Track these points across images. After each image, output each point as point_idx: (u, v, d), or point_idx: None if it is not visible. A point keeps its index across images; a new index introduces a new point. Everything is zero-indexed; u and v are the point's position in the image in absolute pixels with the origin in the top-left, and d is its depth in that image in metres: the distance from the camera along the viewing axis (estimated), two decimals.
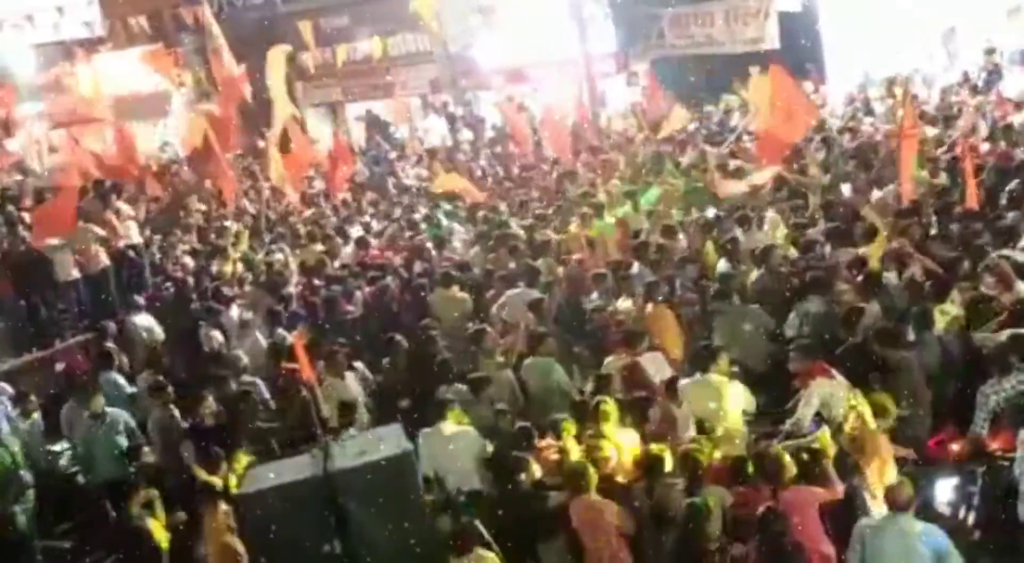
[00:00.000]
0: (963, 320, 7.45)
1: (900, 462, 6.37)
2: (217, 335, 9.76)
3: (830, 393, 6.68)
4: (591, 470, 6.20)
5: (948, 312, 7.51)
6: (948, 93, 15.43)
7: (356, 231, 12.90)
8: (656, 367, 7.61)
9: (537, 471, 6.62)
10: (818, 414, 6.62)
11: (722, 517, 5.97)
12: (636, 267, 9.51)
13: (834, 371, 6.86)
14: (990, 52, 16.32)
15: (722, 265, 9.38)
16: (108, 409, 8.36)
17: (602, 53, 19.92)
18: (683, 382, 7.19)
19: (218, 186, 14.51)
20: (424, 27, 20.50)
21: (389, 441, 6.17)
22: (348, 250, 12.06)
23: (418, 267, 10.93)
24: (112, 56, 21.07)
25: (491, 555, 5.91)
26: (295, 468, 5.95)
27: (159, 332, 10.50)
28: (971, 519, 6.61)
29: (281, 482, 5.79)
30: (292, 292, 10.52)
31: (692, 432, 6.86)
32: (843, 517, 5.90)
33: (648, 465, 6.31)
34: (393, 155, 18.36)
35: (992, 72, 16.10)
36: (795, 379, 7.00)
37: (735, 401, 7.02)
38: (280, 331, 9.38)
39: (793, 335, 8.01)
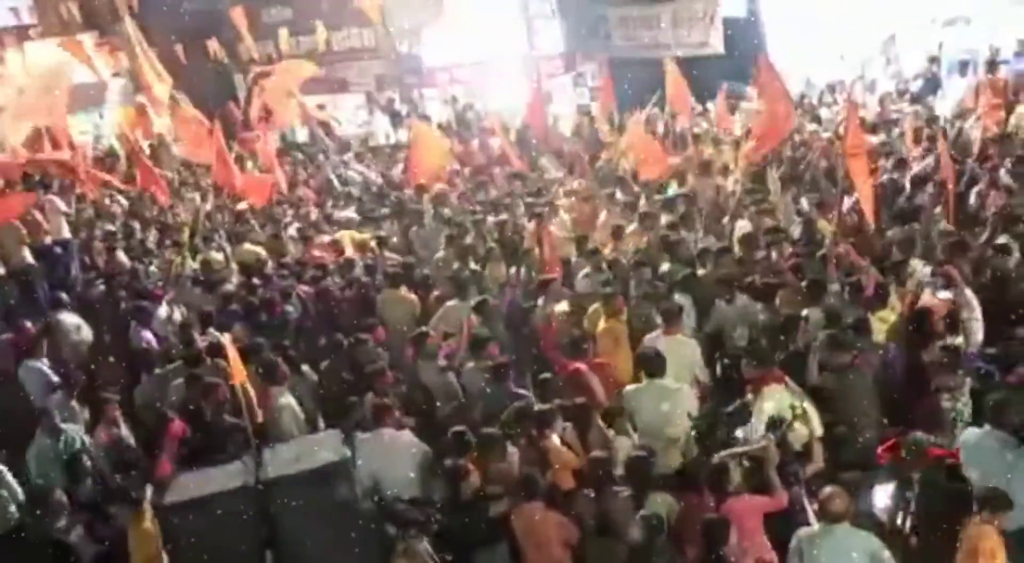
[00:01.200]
0: (902, 326, 7.51)
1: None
2: (146, 334, 9.41)
3: (781, 400, 6.66)
4: (535, 478, 6.08)
5: (887, 319, 7.57)
6: (886, 100, 15.68)
7: (294, 229, 12.59)
8: None
9: (477, 479, 6.47)
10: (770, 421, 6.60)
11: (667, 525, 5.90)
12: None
13: (786, 378, 6.85)
14: (932, 60, 16.65)
15: (664, 266, 9.36)
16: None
17: (549, 53, 19.88)
18: (633, 387, 7.10)
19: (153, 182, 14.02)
20: (370, 22, 20.23)
21: (326, 447, 6.00)
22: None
23: (360, 268, 10.70)
24: (42, 44, 20.34)
25: None
26: (225, 477, 5.73)
27: (87, 331, 10.09)
28: (908, 525, 6.66)
29: (210, 492, 5.56)
30: (230, 291, 10.20)
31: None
32: (787, 525, 5.86)
33: (593, 473, 6.21)
34: (349, 154, 17.94)
35: (929, 80, 16.44)
36: (747, 386, 6.97)
37: (685, 405, 6.92)
38: (212, 331, 9.07)
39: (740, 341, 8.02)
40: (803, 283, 8.29)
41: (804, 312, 7.80)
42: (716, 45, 18.07)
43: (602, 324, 8.24)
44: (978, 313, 7.52)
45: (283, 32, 21.95)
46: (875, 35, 18.04)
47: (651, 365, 7.05)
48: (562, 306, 8.79)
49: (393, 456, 6.84)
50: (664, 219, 10.65)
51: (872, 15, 17.56)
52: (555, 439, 6.60)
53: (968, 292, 7.63)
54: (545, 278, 9.31)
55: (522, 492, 6.05)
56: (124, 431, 7.81)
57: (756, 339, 7.80)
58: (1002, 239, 8.69)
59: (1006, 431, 5.77)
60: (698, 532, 5.76)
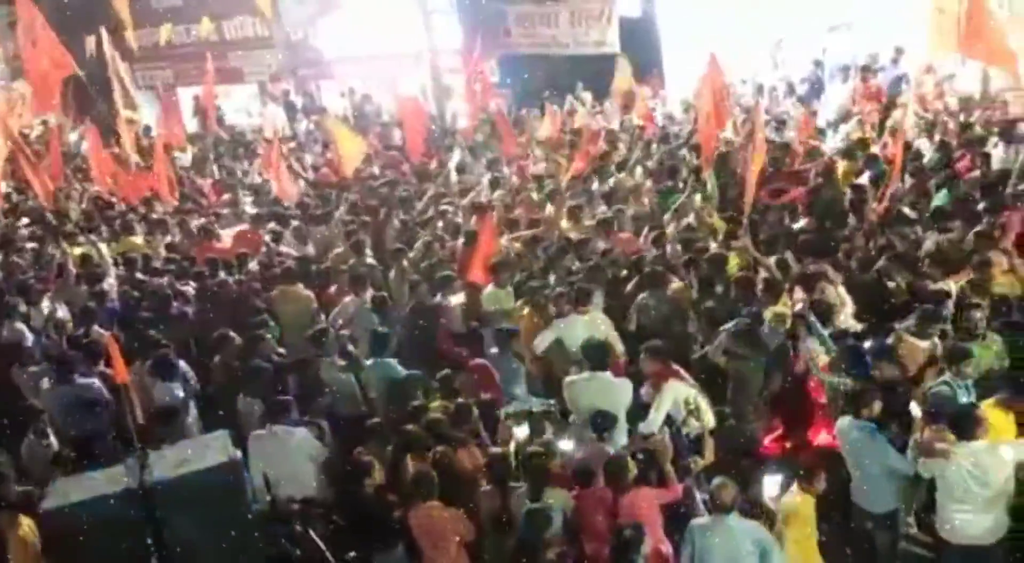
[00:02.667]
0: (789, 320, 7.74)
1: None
2: (21, 328, 8.90)
3: (681, 393, 6.78)
4: (432, 476, 6.01)
5: (778, 314, 7.77)
6: (774, 103, 16.20)
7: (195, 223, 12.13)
8: None
9: (379, 476, 6.36)
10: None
11: (563, 520, 5.92)
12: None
13: (683, 372, 6.95)
14: (817, 64, 17.28)
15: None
16: None
17: (448, 48, 19.77)
18: (574, 378, 7.08)
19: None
20: (261, 11, 19.68)
21: (215, 448, 5.75)
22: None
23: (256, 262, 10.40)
24: None
25: None
26: (107, 480, 5.42)
27: None
28: None
29: (91, 496, 5.27)
30: (110, 286, 9.74)
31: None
32: (681, 516, 5.97)
33: (492, 470, 6.18)
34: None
35: (814, 83, 17.07)
36: (646, 380, 7.05)
37: (624, 397, 6.94)
38: (96, 328, 8.65)
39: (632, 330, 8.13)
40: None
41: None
42: (613, 44, 18.31)
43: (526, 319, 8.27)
44: (850, 308, 7.80)
45: (169, 22, 21.21)
46: (764, 39, 18.61)
47: (593, 357, 7.05)
48: (457, 298, 8.75)
49: (287, 455, 6.67)
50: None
51: (761, 19, 18.09)
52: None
53: (841, 289, 7.93)
54: (447, 274, 9.24)
55: (418, 491, 5.96)
56: None
57: (652, 332, 7.90)
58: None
59: (864, 420, 6.02)
60: (595, 525, 5.81)
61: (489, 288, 8.89)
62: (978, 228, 8.43)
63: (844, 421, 6.17)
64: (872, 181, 10.50)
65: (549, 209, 11.07)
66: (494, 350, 7.80)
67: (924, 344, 6.88)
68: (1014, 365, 6.71)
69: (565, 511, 5.97)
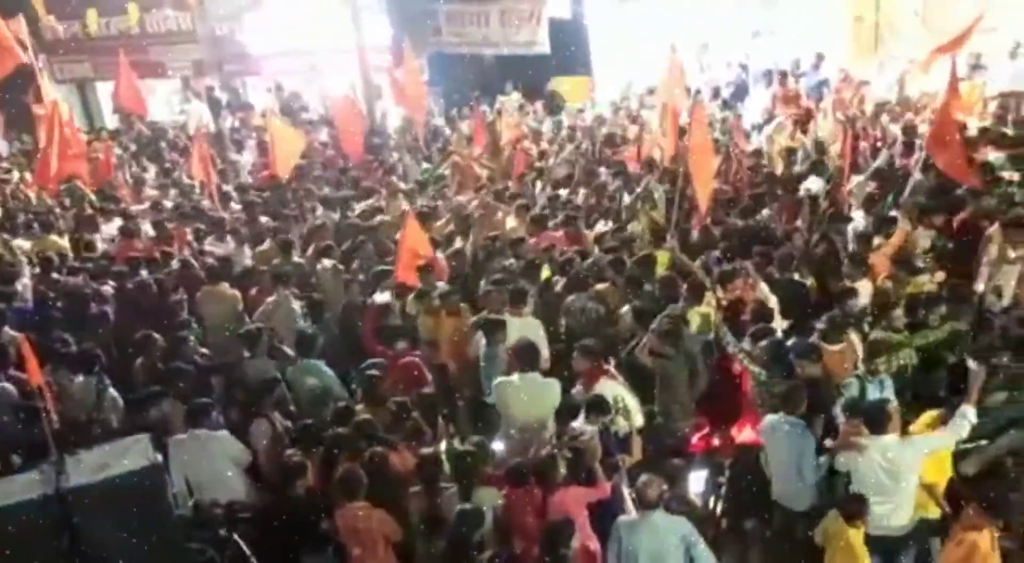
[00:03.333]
0: (714, 321, 7.89)
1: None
2: None
3: (616, 392, 6.85)
4: (358, 475, 5.96)
5: (702, 313, 7.93)
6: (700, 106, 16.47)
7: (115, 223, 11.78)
8: None
9: (311, 479, 6.28)
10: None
11: (493, 519, 5.94)
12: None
13: (613, 371, 7.02)
14: (742, 68, 17.67)
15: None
16: None
17: (378, 45, 19.62)
18: (505, 379, 7.07)
19: None
20: (185, 4, 19.27)
21: (134, 453, 5.58)
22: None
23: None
24: None
25: None
26: (21, 487, 5.24)
27: None
28: (719, 508, 7.03)
29: (6, 502, 5.08)
30: (24, 286, 9.41)
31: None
32: (609, 514, 6.04)
33: (423, 470, 6.16)
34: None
35: (739, 87, 17.45)
36: (578, 379, 7.10)
37: (554, 398, 6.95)
38: (7, 330, 8.34)
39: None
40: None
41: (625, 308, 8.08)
42: (543, 45, 18.44)
43: (444, 321, 8.25)
44: (773, 304, 7.99)
45: (91, 12, 20.57)
46: (691, 43, 18.95)
47: (524, 358, 7.05)
48: (383, 297, 8.70)
49: (210, 458, 6.54)
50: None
51: (688, 23, 18.42)
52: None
53: (764, 286, 8.13)
54: (382, 270, 9.12)
55: (343, 490, 5.91)
56: None
57: (581, 334, 7.97)
58: None
59: (795, 416, 6.17)
60: (525, 525, 5.84)
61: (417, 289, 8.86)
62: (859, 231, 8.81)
63: (773, 418, 6.31)
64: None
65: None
66: (483, 342, 7.76)
67: (836, 347, 7.08)
68: (923, 361, 7.02)
69: (495, 510, 5.98)
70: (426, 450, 6.28)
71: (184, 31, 20.51)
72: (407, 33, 17.79)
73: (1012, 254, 8.06)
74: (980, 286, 8.13)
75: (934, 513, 5.95)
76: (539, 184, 12.40)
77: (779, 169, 12.34)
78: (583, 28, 19.99)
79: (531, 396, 6.86)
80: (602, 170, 12.57)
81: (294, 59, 20.15)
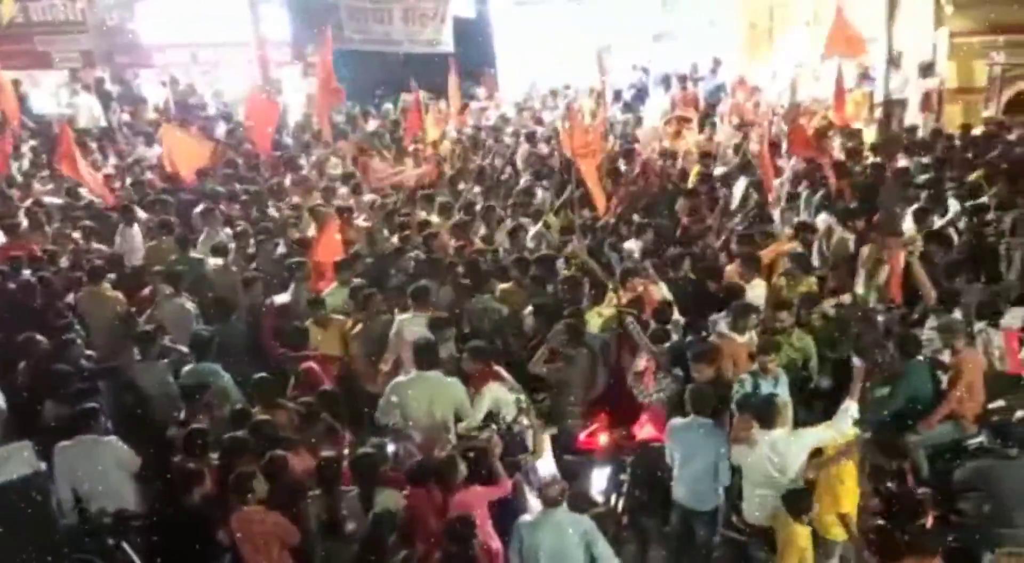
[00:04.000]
0: (615, 321, 8.01)
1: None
2: None
3: (500, 395, 6.87)
4: (250, 478, 5.81)
5: (603, 313, 8.04)
6: (601, 108, 16.72)
7: None
8: None
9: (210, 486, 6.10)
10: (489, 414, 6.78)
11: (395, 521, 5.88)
12: None
13: (504, 373, 7.04)
14: (643, 71, 18.00)
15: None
16: None
17: (277, 40, 19.24)
18: (403, 379, 6.97)
19: None
20: None
21: (16, 460, 5.37)
22: None
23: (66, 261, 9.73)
24: None
25: None
26: None
27: None
28: (620, 505, 7.13)
29: None
30: None
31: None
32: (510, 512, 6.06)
33: (322, 472, 6.05)
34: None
35: (640, 90, 17.78)
36: (469, 381, 7.09)
37: (454, 397, 6.88)
38: None
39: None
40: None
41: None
42: (447, 43, 18.39)
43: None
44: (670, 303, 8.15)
45: None
46: (593, 45, 19.19)
47: (423, 356, 6.94)
48: (282, 298, 8.54)
49: (96, 466, 6.27)
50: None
51: (590, 26, 18.67)
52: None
53: (662, 286, 8.30)
54: (296, 261, 8.95)
55: (236, 493, 5.76)
56: None
57: (483, 334, 7.98)
58: None
59: (705, 416, 6.31)
60: (427, 526, 5.80)
61: (332, 286, 8.75)
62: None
63: (683, 420, 6.39)
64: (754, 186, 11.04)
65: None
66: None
67: (742, 339, 7.29)
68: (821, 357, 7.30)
69: (397, 512, 5.92)
70: (327, 452, 6.17)
71: (72, 20, 19.61)
72: (310, 28, 17.52)
73: (884, 255, 8.43)
74: (859, 287, 8.47)
75: (837, 536, 6.06)
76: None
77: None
78: (488, 28, 20.04)
79: (431, 396, 6.81)
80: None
81: (189, 51, 19.55)
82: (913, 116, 14.55)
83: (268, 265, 9.52)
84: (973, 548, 5.65)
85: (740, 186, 11.18)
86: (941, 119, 14.35)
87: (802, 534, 5.76)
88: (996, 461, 5.94)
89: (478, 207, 11.10)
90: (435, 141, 14.20)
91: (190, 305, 8.51)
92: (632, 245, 9.54)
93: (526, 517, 5.81)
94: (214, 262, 9.45)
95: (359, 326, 8.02)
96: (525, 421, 6.84)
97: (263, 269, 9.34)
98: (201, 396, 6.98)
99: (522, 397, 6.92)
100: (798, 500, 5.77)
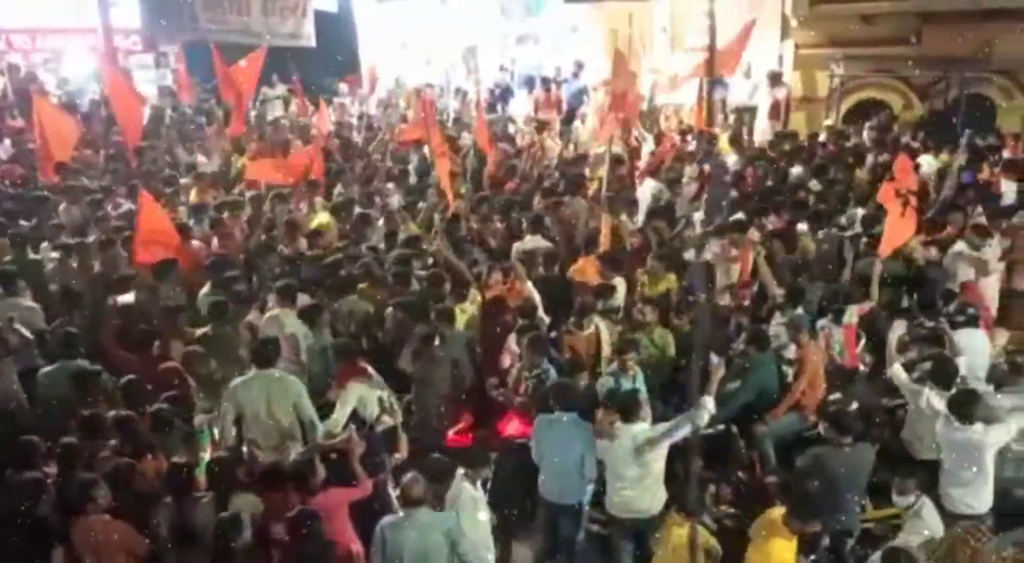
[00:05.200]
0: (479, 318, 8.05)
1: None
2: None
3: (365, 393, 6.77)
4: (92, 484, 5.51)
5: (466, 310, 8.06)
6: (467, 107, 16.80)
7: None
8: None
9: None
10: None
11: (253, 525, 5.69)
12: None
13: (370, 370, 6.95)
14: (508, 71, 18.16)
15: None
16: None
17: (127, 28, 18.32)
18: (240, 379, 6.71)
19: None
20: None
21: None
22: None
23: None
24: None
25: None
26: None
27: None
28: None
29: None
30: None
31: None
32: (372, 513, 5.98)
33: (173, 479, 5.80)
34: None
35: (504, 90, 17.94)
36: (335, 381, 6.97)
37: (293, 395, 6.67)
38: None
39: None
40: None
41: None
42: (308, 38, 18.01)
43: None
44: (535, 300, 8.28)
45: None
46: (459, 45, 19.24)
47: (260, 355, 6.75)
48: (125, 298, 8.16)
49: None
50: None
51: (456, 26, 18.71)
52: None
53: (528, 284, 8.40)
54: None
55: (78, 501, 5.45)
56: None
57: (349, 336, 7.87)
58: None
59: (569, 411, 6.39)
60: (284, 530, 5.65)
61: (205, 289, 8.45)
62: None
63: (548, 415, 6.44)
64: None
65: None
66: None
67: (584, 333, 7.45)
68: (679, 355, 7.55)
69: (254, 516, 5.74)
70: (178, 459, 5.92)
71: None
72: (162, 17, 16.81)
73: (734, 252, 8.81)
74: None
75: None
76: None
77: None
78: (352, 24, 19.74)
79: (268, 395, 6.60)
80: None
81: (28, 37, 18.35)
82: (762, 123, 15.26)
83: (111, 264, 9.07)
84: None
85: (648, 188, 11.44)
86: (788, 126, 15.09)
87: (681, 535, 5.63)
88: (831, 449, 6.27)
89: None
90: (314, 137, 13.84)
91: (29, 303, 7.98)
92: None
93: (389, 517, 5.74)
94: (52, 259, 8.92)
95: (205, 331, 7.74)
96: (388, 419, 6.77)
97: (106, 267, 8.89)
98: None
99: (386, 395, 6.84)
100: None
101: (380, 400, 6.84)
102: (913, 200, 8.47)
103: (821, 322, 7.98)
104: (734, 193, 10.85)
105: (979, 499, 6.12)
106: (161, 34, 16.84)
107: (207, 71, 16.98)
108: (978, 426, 6.06)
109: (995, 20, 13.93)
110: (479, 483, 5.99)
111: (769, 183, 11.45)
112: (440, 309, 7.69)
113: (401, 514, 5.67)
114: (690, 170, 11.83)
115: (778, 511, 5.63)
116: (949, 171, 10.88)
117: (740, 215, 9.71)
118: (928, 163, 11.71)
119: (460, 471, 5.78)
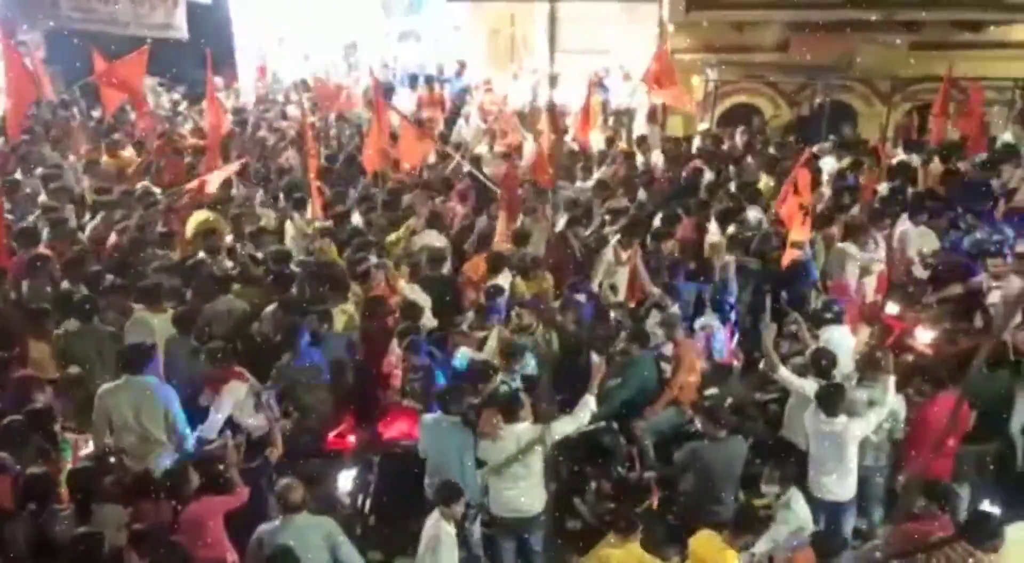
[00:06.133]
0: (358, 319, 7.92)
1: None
2: None
3: (240, 397, 6.61)
4: None
5: (347, 311, 7.92)
6: (350, 104, 16.52)
7: None
8: None
9: None
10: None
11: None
12: None
13: (246, 373, 6.77)
14: (384, 67, 17.95)
15: None
16: None
17: None
18: (110, 385, 6.44)
19: None
20: None
21: None
22: None
23: None
24: None
25: None
26: None
27: None
28: (367, 505, 7.05)
29: None
30: None
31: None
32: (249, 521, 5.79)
33: (28, 491, 5.45)
34: None
35: (388, 89, 17.73)
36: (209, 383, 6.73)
37: (163, 403, 6.44)
38: None
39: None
40: None
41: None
42: (180, 29, 17.35)
43: None
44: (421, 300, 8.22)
45: None
46: (338, 41, 18.94)
47: (128, 360, 6.49)
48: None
49: None
50: None
51: (335, 22, 18.40)
52: None
53: (415, 286, 8.35)
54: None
55: None
56: None
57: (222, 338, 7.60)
58: None
59: (454, 414, 6.36)
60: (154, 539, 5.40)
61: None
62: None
63: (433, 415, 6.42)
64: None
65: None
66: None
67: (477, 335, 7.47)
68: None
69: (121, 526, 5.45)
70: (35, 469, 5.57)
71: None
72: (19, 4, 15.83)
73: (624, 256, 8.97)
74: (594, 285, 8.94)
75: None
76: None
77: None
78: (226, 17, 19.12)
79: (136, 402, 6.37)
80: None
81: None
82: (640, 125, 15.57)
83: None
84: (690, 523, 6.09)
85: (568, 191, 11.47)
86: (665, 129, 15.47)
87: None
88: (708, 443, 6.45)
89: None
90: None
91: None
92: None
93: (267, 524, 5.57)
94: None
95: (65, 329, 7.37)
96: (264, 421, 6.59)
97: None
98: None
99: (264, 395, 6.65)
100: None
101: (257, 402, 6.65)
102: (808, 209, 8.75)
103: (705, 320, 8.18)
104: (643, 195, 11.08)
105: (844, 487, 6.40)
106: (19, 21, 15.76)
107: (70, 62, 16.13)
108: (842, 418, 6.34)
109: (856, 31, 14.69)
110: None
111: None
112: (318, 310, 7.52)
113: (278, 521, 5.51)
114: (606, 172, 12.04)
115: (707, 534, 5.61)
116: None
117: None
118: (831, 165, 12.21)
119: (437, 512, 5.68)
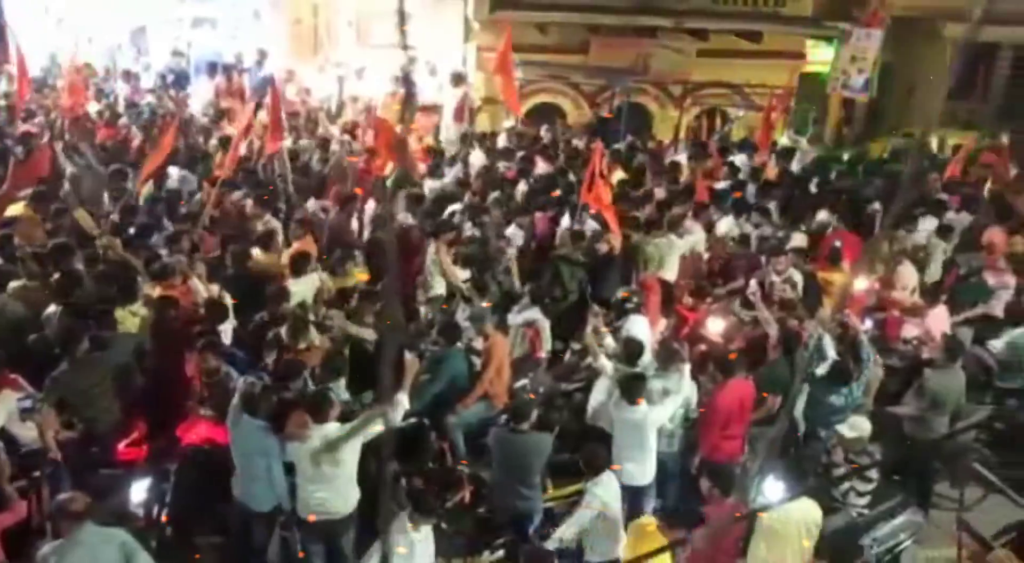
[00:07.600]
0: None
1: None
2: None
3: (13, 407, 6.12)
4: None
5: (138, 312, 7.45)
6: (136, 92, 15.54)
7: None
8: None
9: None
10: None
11: None
12: None
13: (21, 381, 6.30)
14: (180, 55, 17.02)
15: None
16: None
17: None
18: None
19: None
20: None
21: None
22: None
23: None
24: None
25: None
26: None
27: None
28: (164, 515, 6.66)
29: None
30: None
31: None
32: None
33: None
34: None
35: (180, 75, 16.83)
36: None
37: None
38: None
39: None
40: None
41: None
42: None
43: None
44: (227, 301, 7.87)
45: None
46: (125, 24, 17.80)
47: None
48: None
49: None
50: None
51: (120, 4, 17.29)
52: None
53: (198, 284, 7.97)
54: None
55: None
56: None
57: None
58: None
59: (259, 416, 6.12)
60: None
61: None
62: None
63: (239, 417, 6.15)
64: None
65: None
66: None
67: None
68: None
69: None
70: None
71: None
72: None
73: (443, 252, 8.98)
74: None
75: None
76: None
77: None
78: None
79: None
80: None
81: None
82: (447, 121, 15.61)
83: None
84: (498, 515, 6.18)
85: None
86: (473, 126, 15.59)
87: None
88: (510, 434, 6.54)
89: None
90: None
91: None
92: None
93: (54, 543, 5.14)
94: None
95: None
96: (35, 432, 6.09)
97: None
98: None
99: (37, 406, 6.15)
100: None
101: (26, 411, 6.15)
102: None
103: (530, 315, 8.29)
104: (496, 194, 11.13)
105: (644, 472, 6.68)
106: None
107: None
108: (643, 406, 6.61)
109: (650, 37, 15.44)
110: None
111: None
112: (99, 311, 7.02)
113: (68, 536, 5.09)
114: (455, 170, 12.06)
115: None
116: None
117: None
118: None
119: (405, 517, 5.43)
